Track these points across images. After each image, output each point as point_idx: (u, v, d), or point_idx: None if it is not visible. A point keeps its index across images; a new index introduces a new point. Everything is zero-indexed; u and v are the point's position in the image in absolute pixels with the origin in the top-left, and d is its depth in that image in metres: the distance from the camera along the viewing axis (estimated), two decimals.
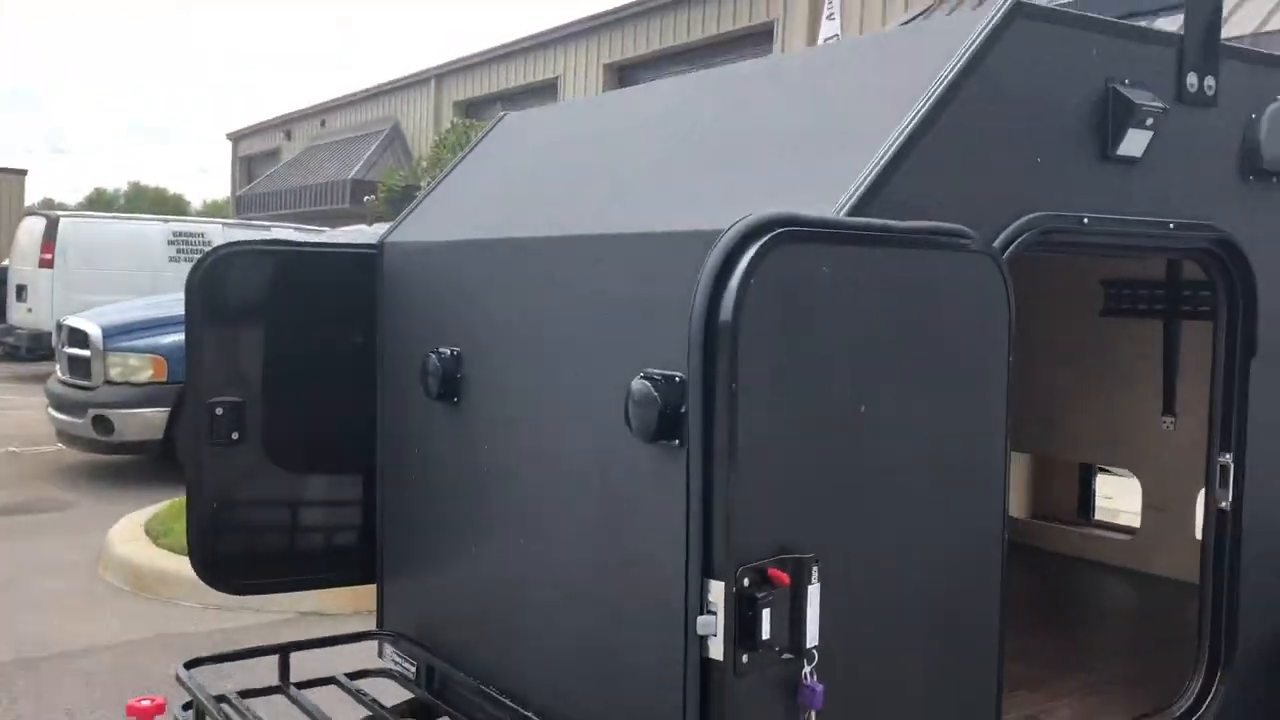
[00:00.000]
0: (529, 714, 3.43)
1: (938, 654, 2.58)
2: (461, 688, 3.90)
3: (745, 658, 2.04)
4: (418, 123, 35.77)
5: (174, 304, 13.93)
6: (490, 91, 32.77)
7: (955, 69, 2.80)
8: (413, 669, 4.26)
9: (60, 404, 12.84)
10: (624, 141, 3.81)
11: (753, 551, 2.05)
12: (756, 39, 23.36)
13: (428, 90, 35.50)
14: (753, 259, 2.03)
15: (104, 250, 20.80)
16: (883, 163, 2.67)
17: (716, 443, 2.00)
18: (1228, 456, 3.56)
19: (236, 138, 49.56)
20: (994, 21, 2.86)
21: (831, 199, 2.64)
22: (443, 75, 35.01)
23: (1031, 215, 2.95)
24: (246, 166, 48.43)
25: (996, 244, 2.87)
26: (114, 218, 23.84)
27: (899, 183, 2.69)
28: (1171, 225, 3.28)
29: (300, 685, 4.27)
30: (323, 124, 42.07)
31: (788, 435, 2.12)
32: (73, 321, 13.14)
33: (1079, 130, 3.08)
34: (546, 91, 30.02)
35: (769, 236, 2.06)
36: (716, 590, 2.01)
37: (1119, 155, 3.13)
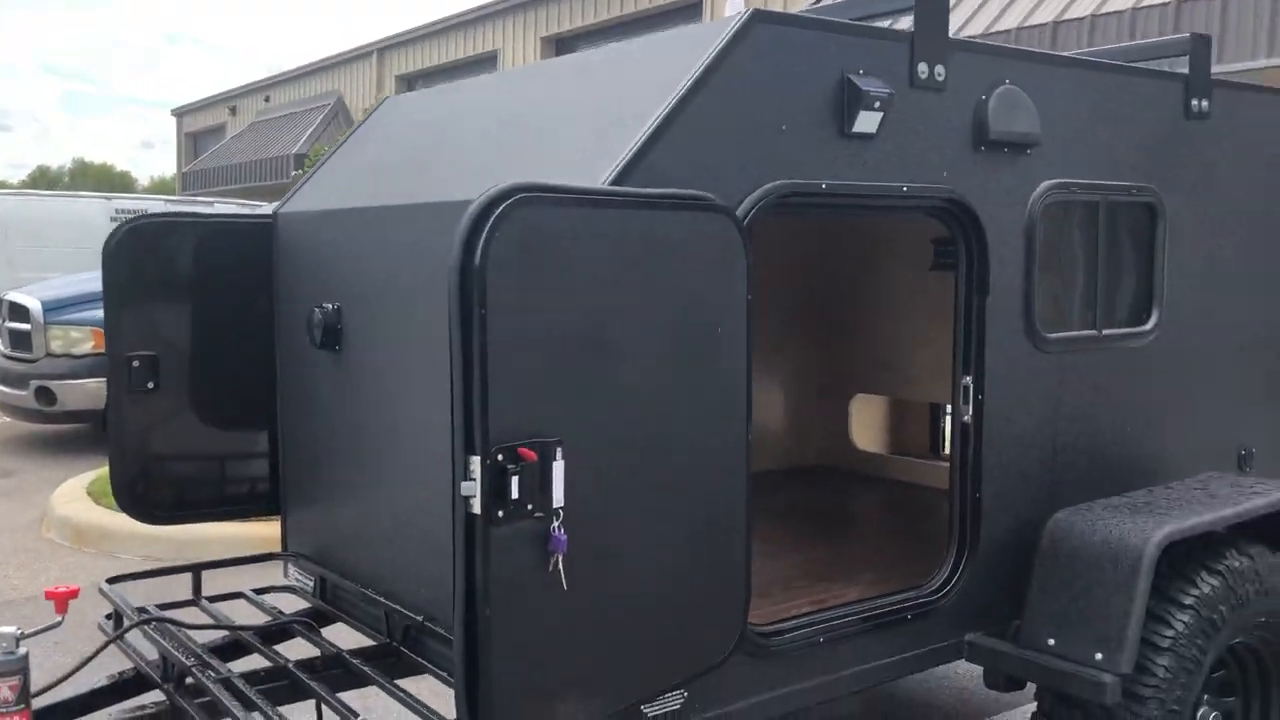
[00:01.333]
0: (397, 606, 4.15)
1: (685, 522, 3.30)
2: (348, 594, 4.61)
3: (500, 513, 2.76)
4: (361, 96, 36.07)
5: None
6: (431, 65, 33.15)
7: (703, 65, 3.51)
8: (310, 583, 4.97)
9: (3, 377, 13.32)
10: (468, 123, 4.49)
11: (505, 435, 2.76)
12: (687, 12, 24.02)
13: (370, 64, 35.79)
14: (496, 218, 2.73)
15: (46, 228, 21.11)
16: (641, 141, 3.38)
17: (472, 354, 2.70)
18: (968, 378, 4.33)
19: (181, 113, 49.46)
20: (736, 28, 3.57)
21: (602, 170, 3.36)
22: (385, 49, 35.31)
23: (775, 183, 3.67)
24: (193, 142, 48.40)
25: (743, 205, 3.59)
26: (56, 196, 24.10)
27: (656, 157, 3.40)
28: (905, 189, 4.01)
29: (212, 599, 4.96)
30: (267, 99, 42.19)
31: (532, 350, 2.82)
32: (12, 297, 13.59)
33: (819, 113, 3.80)
34: (487, 64, 30.47)
35: (509, 201, 2.76)
36: (475, 463, 2.72)
37: (854, 132, 3.85)
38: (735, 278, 3.43)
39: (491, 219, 2.72)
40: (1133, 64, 5.04)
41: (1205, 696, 4.51)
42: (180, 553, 8.43)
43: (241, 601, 5.07)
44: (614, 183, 3.31)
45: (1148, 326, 4.93)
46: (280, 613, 4.85)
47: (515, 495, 2.76)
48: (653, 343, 3.18)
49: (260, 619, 4.81)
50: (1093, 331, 4.73)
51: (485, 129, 4.34)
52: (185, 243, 4.95)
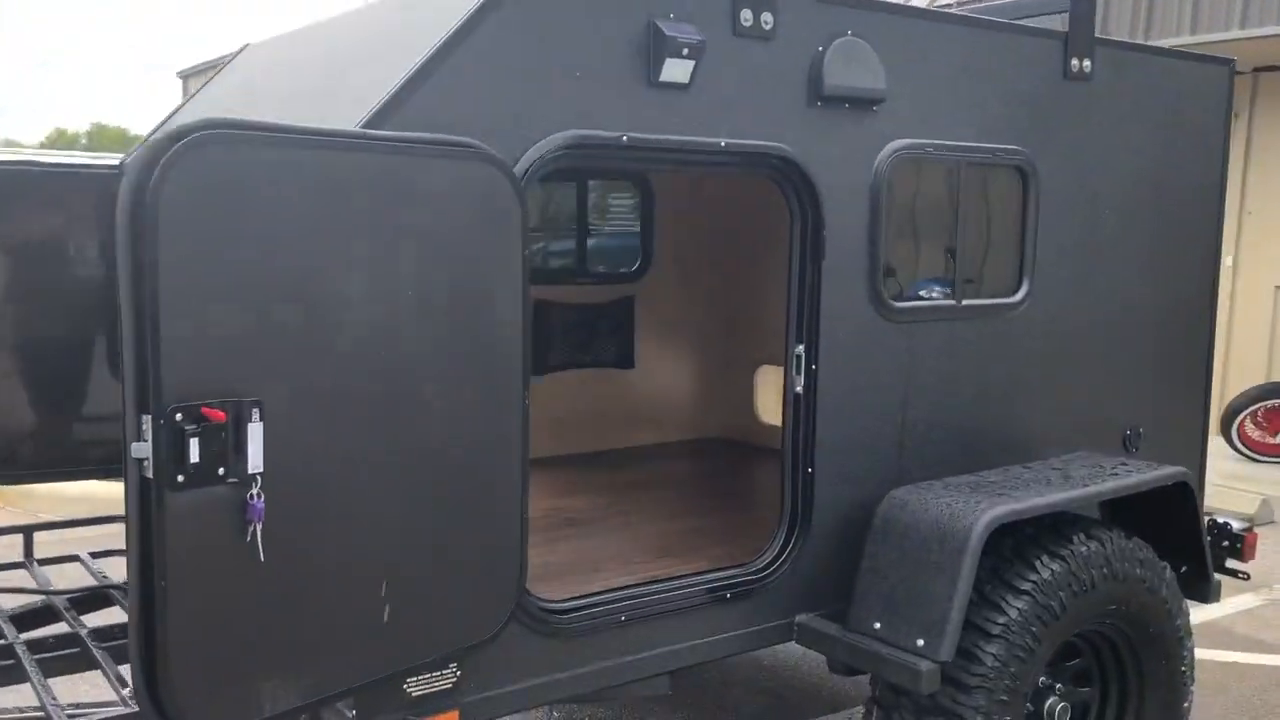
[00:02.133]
0: None
1: (437, 492, 3.11)
2: None
3: (180, 478, 2.56)
4: None
5: None
6: None
7: (478, 4, 3.28)
8: None
9: None
10: (301, 68, 4.27)
11: (184, 394, 2.57)
12: None
13: None
14: (169, 158, 2.51)
15: None
16: (400, 85, 3.17)
17: (143, 305, 2.50)
18: (800, 347, 4.10)
19: (186, 75, 49.24)
20: None
21: (356, 115, 3.15)
22: None
23: (564, 134, 3.45)
24: None
25: (526, 157, 3.37)
26: (49, 157, 24.05)
27: (421, 101, 3.19)
28: (723, 144, 3.78)
29: (44, 562, 4.80)
30: None
31: (219, 302, 2.62)
32: None
33: (622, 60, 3.57)
34: None
35: (185, 140, 2.54)
36: (147, 423, 2.53)
37: (663, 82, 3.62)
38: (506, 233, 3.21)
39: (163, 160, 2.51)
40: (1011, 21, 4.77)
41: (1057, 686, 4.30)
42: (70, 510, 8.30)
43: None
44: (366, 127, 3.10)
45: (1016, 298, 4.69)
46: (107, 578, 4.69)
47: (195, 459, 2.56)
48: (393, 300, 2.97)
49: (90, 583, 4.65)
50: (950, 301, 4.49)
51: (308, 73, 4.12)
52: (26, 193, 4.76)
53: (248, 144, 2.65)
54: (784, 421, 4.16)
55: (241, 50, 5.28)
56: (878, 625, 4.00)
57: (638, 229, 6.69)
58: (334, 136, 2.87)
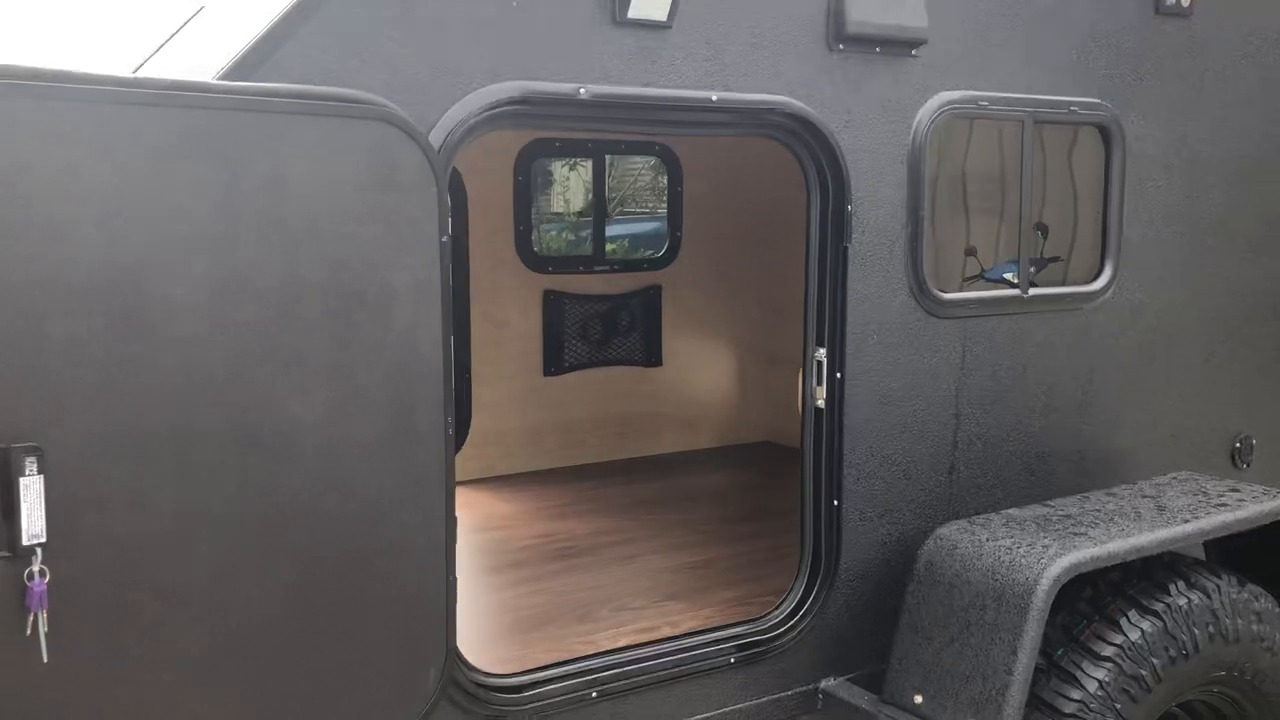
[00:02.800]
0: None
1: (320, 559, 2.40)
2: None
3: None
4: None
5: None
6: None
7: None
8: None
9: None
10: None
11: None
12: None
13: None
14: None
15: None
16: (270, 26, 2.44)
17: None
18: (820, 351, 3.30)
19: None
20: None
21: (215, 64, 2.44)
22: None
23: (499, 87, 2.70)
24: None
25: (447, 116, 2.63)
26: None
27: (295, 50, 2.46)
28: (714, 99, 3.00)
29: None
30: None
31: None
32: None
33: None
34: None
35: None
36: None
37: (632, 19, 2.85)
38: (416, 217, 2.48)
39: None
40: None
41: None
42: None
43: None
44: (224, 78, 2.39)
45: (1097, 285, 3.82)
46: None
47: None
48: (246, 306, 2.26)
49: None
50: (1014, 291, 3.65)
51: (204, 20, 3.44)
52: None
53: (20, 95, 1.95)
54: (803, 443, 3.37)
55: None
56: (919, 699, 3.20)
57: (664, 208, 5.91)
58: (155, 88, 2.16)
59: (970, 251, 3.68)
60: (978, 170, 3.60)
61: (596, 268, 5.72)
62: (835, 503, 3.35)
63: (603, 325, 5.74)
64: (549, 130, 2.70)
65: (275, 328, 2.31)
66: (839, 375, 3.31)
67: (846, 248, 3.26)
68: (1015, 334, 3.64)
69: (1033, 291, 3.66)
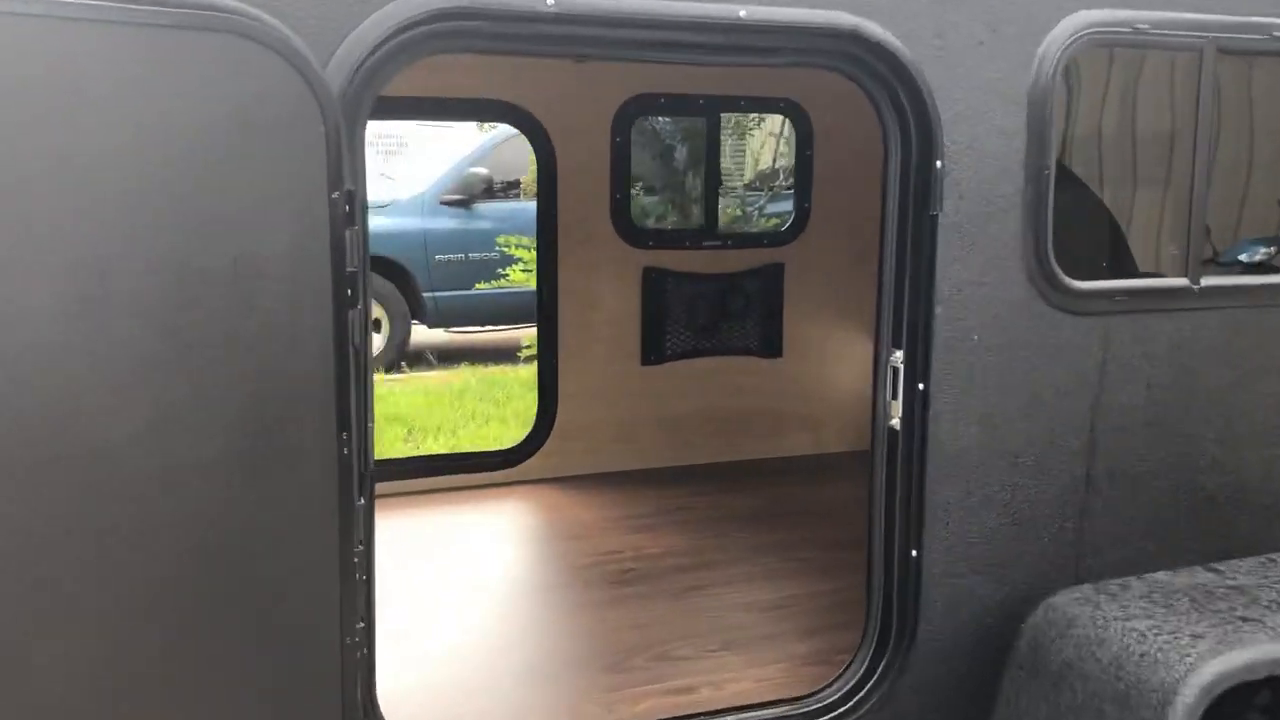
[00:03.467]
0: None
1: (153, 620, 1.83)
2: None
3: None
4: None
5: None
6: None
7: None
8: None
9: None
10: None
11: None
12: None
13: None
14: None
15: None
16: None
17: None
18: (898, 354, 2.51)
19: None
20: None
21: None
22: None
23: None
24: None
25: (353, 37, 2.00)
26: None
27: None
28: (742, 14, 2.25)
29: None
30: None
31: None
32: None
33: None
34: None
35: None
36: None
37: None
38: (293, 156, 1.87)
39: None
40: None
41: None
42: None
43: None
44: None
45: None
46: None
47: None
48: (32, 278, 1.70)
49: None
50: (1182, 281, 2.74)
51: None
52: None
53: None
54: (872, 474, 2.59)
55: None
56: None
57: (790, 175, 5.13)
58: None
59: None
60: (1125, 117, 2.71)
61: (706, 243, 4.99)
62: (914, 553, 2.56)
63: (712, 308, 5.01)
64: (501, 51, 2.04)
65: (79, 311, 1.73)
66: (921, 387, 2.51)
67: (935, 217, 2.46)
68: (1181, 337, 2.73)
69: (1206, 281, 2.73)
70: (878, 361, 2.54)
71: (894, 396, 2.52)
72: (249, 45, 1.83)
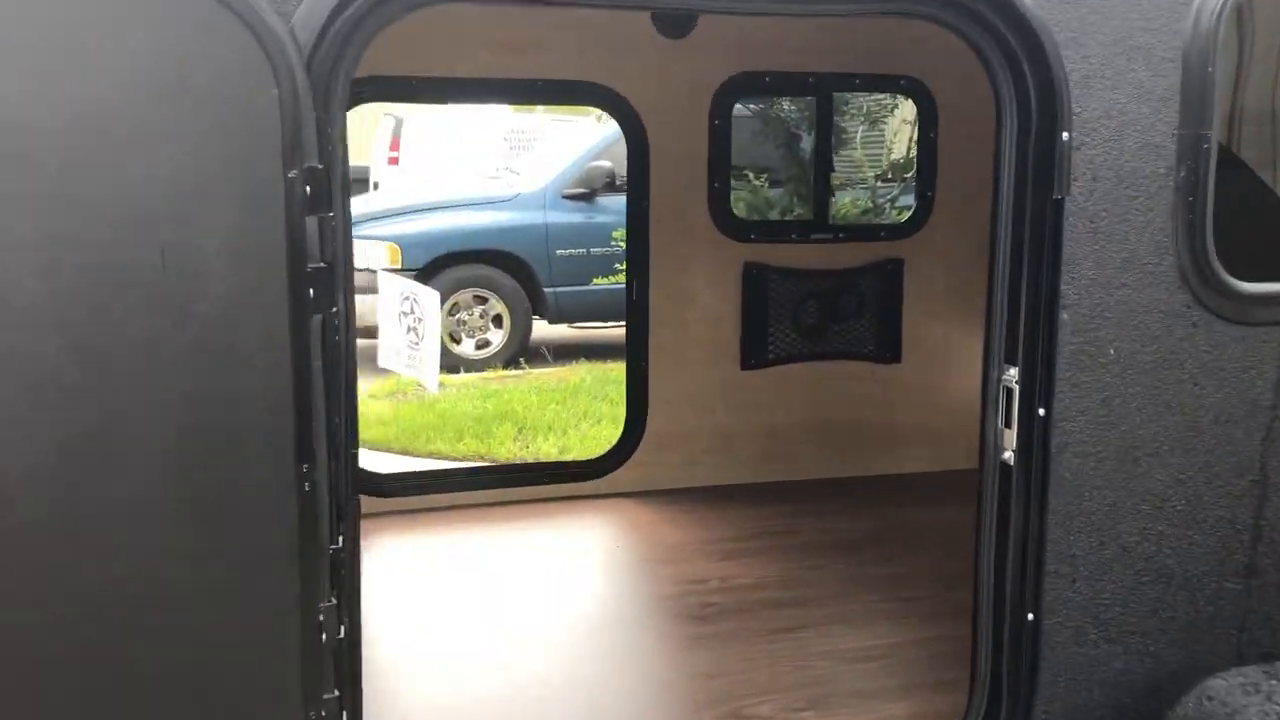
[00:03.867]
0: None
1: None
2: None
3: None
4: None
5: (414, 194, 14.17)
6: None
7: None
8: None
9: None
10: None
11: None
12: None
13: None
14: None
15: (441, 147, 21.68)
16: None
17: None
18: (1012, 372, 2.04)
19: None
20: None
21: None
22: None
23: None
24: None
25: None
26: (454, 116, 24.88)
27: None
28: None
29: None
30: None
31: None
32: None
33: None
34: None
35: None
36: None
37: None
38: (239, 127, 1.52)
39: None
40: None
41: None
42: None
43: None
44: None
45: None
46: None
47: None
48: None
49: None
50: None
51: None
52: None
53: None
54: (979, 517, 2.12)
55: None
56: None
57: (912, 161, 4.62)
58: None
59: None
60: None
61: (815, 236, 4.53)
62: (1030, 616, 2.08)
63: (821, 308, 4.55)
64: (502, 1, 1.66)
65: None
66: (1042, 412, 2.03)
67: (1060, 202, 1.97)
68: None
69: None
70: (987, 380, 2.07)
71: (1007, 424, 2.05)
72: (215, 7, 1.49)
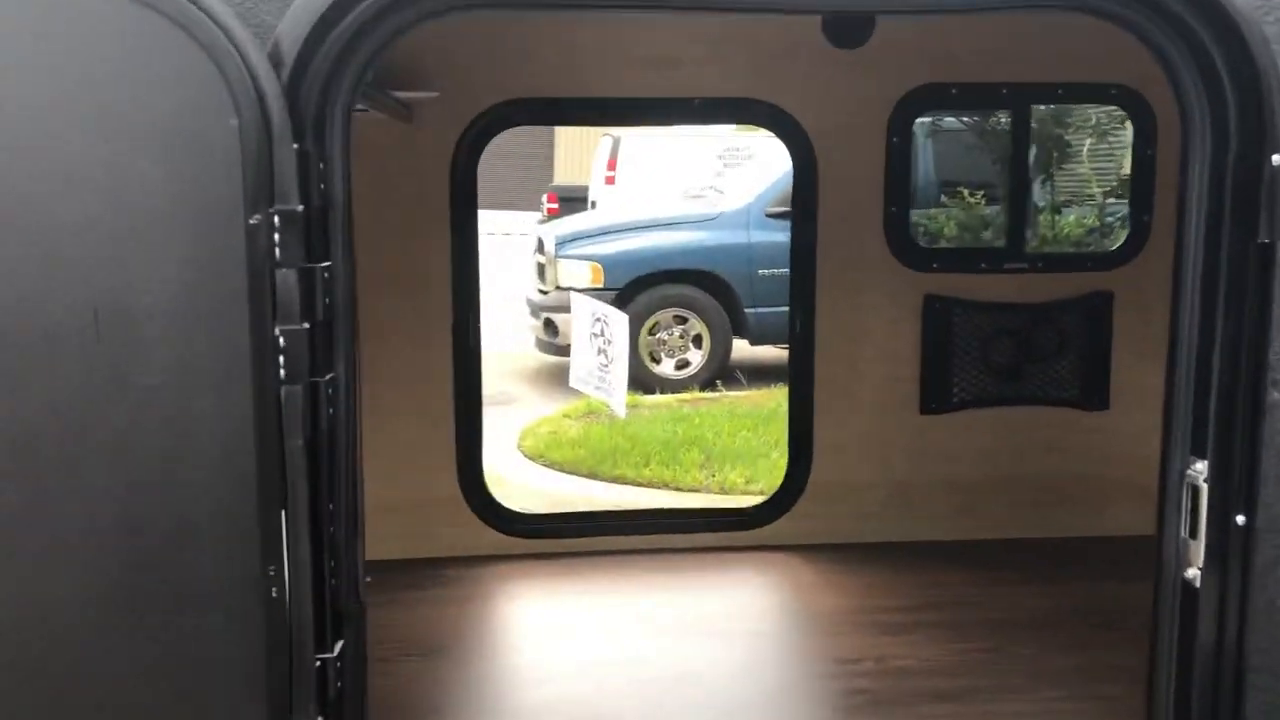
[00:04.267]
0: None
1: None
2: None
3: None
4: None
5: (618, 213, 14.15)
6: None
7: None
8: None
9: (531, 309, 13.68)
10: None
11: None
12: None
13: None
14: None
15: (658, 166, 21.81)
16: None
17: None
18: (1200, 467, 1.57)
19: None
20: None
21: None
22: None
23: None
24: None
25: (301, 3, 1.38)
26: (671, 136, 24.97)
27: None
28: None
29: None
30: None
31: None
32: (539, 230, 13.91)
33: None
34: None
35: None
36: None
37: None
38: (185, 161, 1.28)
39: None
40: None
41: None
42: None
43: None
44: None
45: None
46: None
47: None
48: None
49: None
50: None
51: None
52: None
53: None
54: (1154, 651, 1.66)
55: None
56: None
57: (1124, 183, 4.04)
58: None
59: None
60: None
61: (1009, 265, 4.02)
62: None
63: (1016, 346, 4.03)
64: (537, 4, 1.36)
65: None
66: (1242, 520, 1.55)
67: (1269, 247, 1.50)
68: None
69: None
70: (1166, 476, 1.60)
71: (1193, 533, 1.58)
72: (126, 3, 1.25)
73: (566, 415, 9.68)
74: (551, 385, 13.12)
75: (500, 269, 14.41)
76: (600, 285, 12.85)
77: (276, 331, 1.32)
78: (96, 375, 1.27)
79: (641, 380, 10.91)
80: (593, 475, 7.71)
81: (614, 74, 3.78)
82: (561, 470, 7.84)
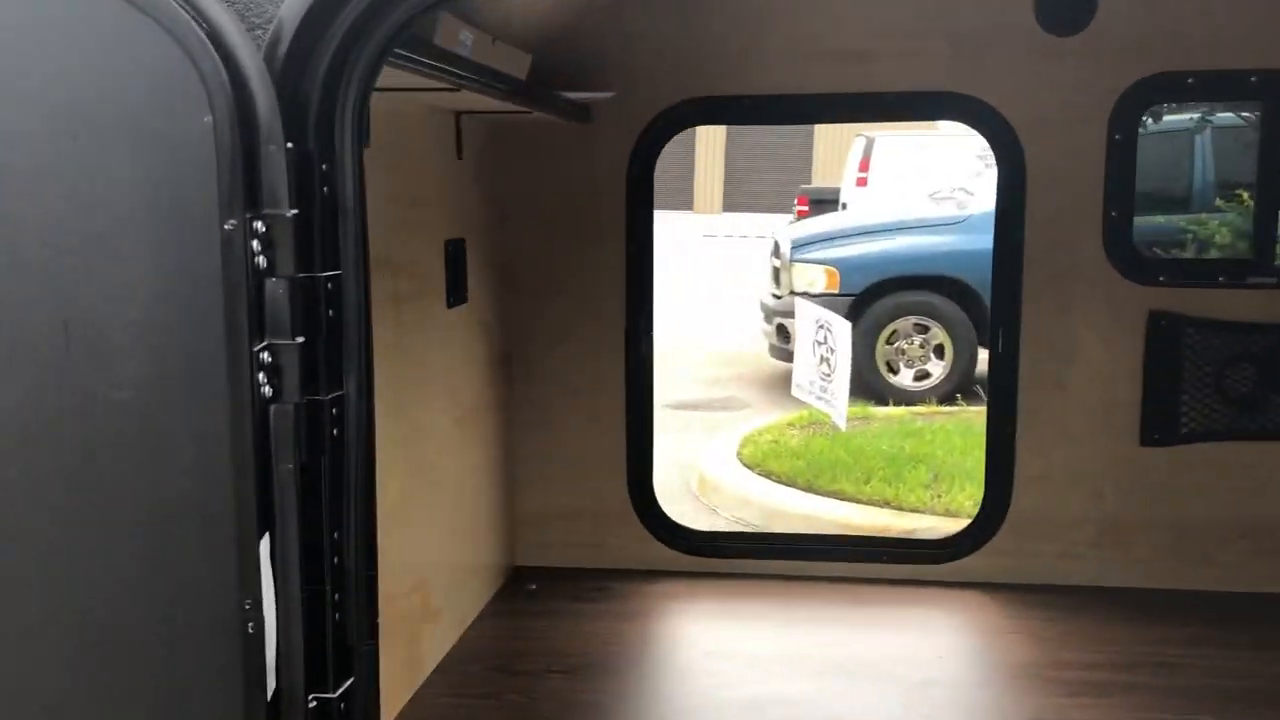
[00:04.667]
0: None
1: None
2: None
3: None
4: None
5: (858, 216, 13.76)
6: None
7: None
8: None
9: (765, 314, 13.52)
10: None
11: None
12: None
13: None
14: None
15: (913, 168, 21.16)
16: None
17: None
18: None
19: None
20: None
21: None
22: None
23: None
24: None
25: None
26: (928, 135, 24.09)
27: None
28: None
29: None
30: None
31: None
32: (776, 234, 13.71)
33: None
34: None
35: None
36: None
37: None
38: (153, 163, 1.19)
39: None
40: None
41: None
42: None
43: None
44: None
45: None
46: None
47: None
48: None
49: None
50: None
51: None
52: None
53: None
54: None
55: None
56: None
57: None
58: None
59: None
60: None
61: (1253, 279, 3.50)
62: None
63: (1261, 372, 3.51)
64: None
65: None
66: None
67: None
68: None
69: None
70: None
71: None
72: None
73: (790, 424, 9.41)
74: (781, 392, 12.88)
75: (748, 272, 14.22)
76: (835, 290, 12.50)
77: (258, 346, 1.20)
78: (68, 390, 1.20)
79: (875, 390, 10.47)
80: (810, 488, 7.45)
81: (801, 69, 3.55)
82: (779, 481, 7.63)
